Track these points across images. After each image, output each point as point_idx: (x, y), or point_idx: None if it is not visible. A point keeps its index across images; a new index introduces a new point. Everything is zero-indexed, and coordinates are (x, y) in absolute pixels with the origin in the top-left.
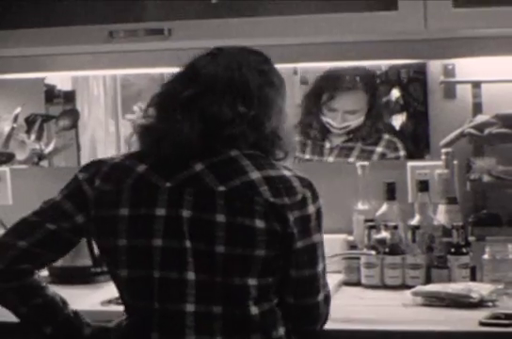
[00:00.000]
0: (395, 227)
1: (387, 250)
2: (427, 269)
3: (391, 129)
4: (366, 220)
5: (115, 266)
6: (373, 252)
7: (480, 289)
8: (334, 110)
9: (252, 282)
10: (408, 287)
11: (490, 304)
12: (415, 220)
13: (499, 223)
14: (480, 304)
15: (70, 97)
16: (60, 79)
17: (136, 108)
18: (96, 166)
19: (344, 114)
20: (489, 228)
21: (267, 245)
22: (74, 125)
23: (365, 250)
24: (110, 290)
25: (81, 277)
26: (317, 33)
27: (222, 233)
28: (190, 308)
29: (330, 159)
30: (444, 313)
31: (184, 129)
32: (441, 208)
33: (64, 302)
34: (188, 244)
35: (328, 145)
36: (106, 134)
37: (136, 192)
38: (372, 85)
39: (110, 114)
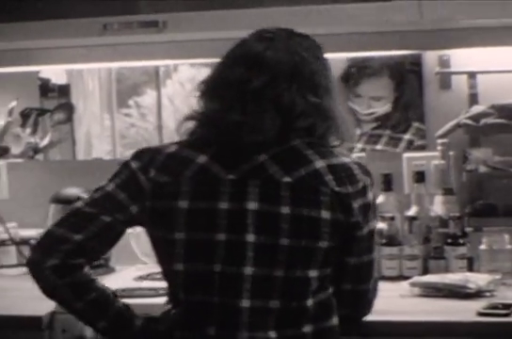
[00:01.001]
0: (392, 218)
1: (384, 241)
2: (424, 260)
3: (420, 117)
4: None
5: (169, 260)
6: None
7: (477, 280)
8: (359, 96)
9: (313, 273)
10: (405, 278)
11: (488, 294)
12: (412, 211)
13: (495, 213)
14: (477, 294)
15: (64, 91)
16: (55, 73)
17: (131, 102)
18: (149, 154)
19: (370, 100)
20: (486, 218)
21: (331, 235)
22: (69, 119)
23: None
24: None
25: None
26: (311, 24)
27: (287, 225)
28: (246, 303)
29: (359, 146)
30: (442, 303)
31: (266, 123)
32: (438, 199)
33: (114, 295)
34: (251, 238)
35: (358, 132)
36: (102, 128)
37: (197, 184)
38: (399, 72)
39: (105, 108)
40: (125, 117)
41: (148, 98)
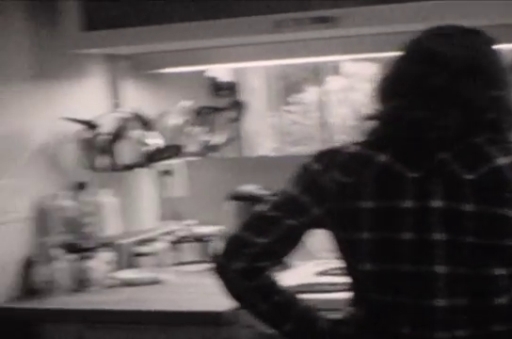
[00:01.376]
0: None
1: None
2: None
3: None
4: None
5: (355, 260)
6: None
7: None
8: None
9: (500, 271)
10: None
11: None
12: None
13: None
14: None
15: (233, 89)
16: (222, 71)
17: (293, 100)
18: (329, 155)
19: None
20: None
21: None
22: (241, 117)
23: None
24: None
25: None
26: (481, 16)
27: (471, 222)
28: (440, 303)
29: None
30: None
31: (449, 119)
32: None
33: (295, 297)
34: (437, 236)
35: None
36: (266, 125)
37: (380, 184)
38: None
39: (270, 105)
40: (288, 114)
41: (310, 95)
